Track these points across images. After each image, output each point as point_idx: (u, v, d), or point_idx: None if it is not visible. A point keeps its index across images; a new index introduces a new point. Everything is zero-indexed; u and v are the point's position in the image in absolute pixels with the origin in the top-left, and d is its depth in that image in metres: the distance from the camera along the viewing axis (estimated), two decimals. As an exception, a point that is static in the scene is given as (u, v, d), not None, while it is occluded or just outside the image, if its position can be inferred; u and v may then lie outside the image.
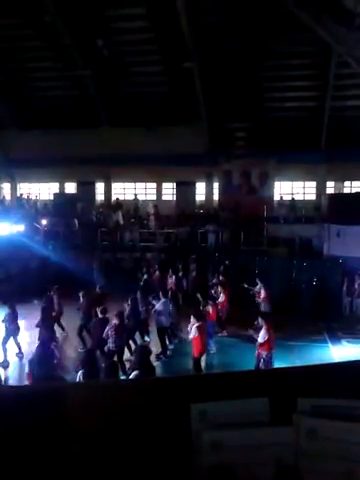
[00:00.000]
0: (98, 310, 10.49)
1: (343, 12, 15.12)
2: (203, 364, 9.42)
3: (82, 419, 2.88)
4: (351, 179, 23.66)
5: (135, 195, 25.34)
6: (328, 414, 2.98)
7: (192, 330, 9.43)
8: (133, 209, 23.86)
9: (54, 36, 21.11)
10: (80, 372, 6.46)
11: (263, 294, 13.49)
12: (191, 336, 9.48)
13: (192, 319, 9.52)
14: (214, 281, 14.14)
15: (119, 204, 24.24)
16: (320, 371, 3.47)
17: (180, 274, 15.64)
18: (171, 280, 14.66)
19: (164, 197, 25.91)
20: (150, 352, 7.39)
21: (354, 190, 23.22)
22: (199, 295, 13.30)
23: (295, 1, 15.30)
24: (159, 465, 2.93)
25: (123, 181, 26.29)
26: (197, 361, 9.32)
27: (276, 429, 2.90)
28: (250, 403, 3.09)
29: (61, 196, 26.03)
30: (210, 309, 10.91)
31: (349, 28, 15.78)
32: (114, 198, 25.67)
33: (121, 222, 21.85)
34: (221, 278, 14.09)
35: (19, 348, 11.00)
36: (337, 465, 2.77)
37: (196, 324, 9.41)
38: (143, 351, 6.91)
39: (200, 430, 2.90)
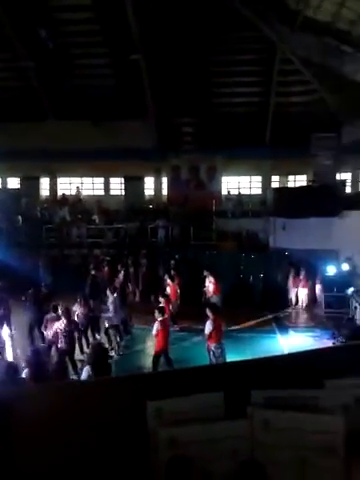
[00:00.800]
0: (50, 308, 10.25)
1: (287, 12, 15.52)
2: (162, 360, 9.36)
3: (34, 422, 2.80)
4: (295, 173, 24.41)
5: (77, 188, 24.89)
6: (280, 405, 3.06)
7: (155, 325, 9.38)
8: (75, 204, 23.37)
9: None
10: (26, 371, 6.25)
11: (212, 287, 13.66)
12: (154, 332, 9.40)
13: (156, 314, 9.46)
14: (165, 276, 14.18)
15: (65, 199, 23.71)
16: (271, 363, 3.56)
17: (131, 269, 15.53)
18: (121, 276, 14.52)
19: (112, 192, 25.60)
20: (106, 350, 7.27)
21: (298, 184, 23.96)
22: (152, 293, 13.26)
23: (242, 1, 15.51)
24: (116, 463, 2.90)
25: (69, 176, 25.71)
26: (157, 357, 9.26)
27: (231, 422, 2.95)
28: (205, 398, 3.11)
29: (3, 192, 25.13)
30: (163, 304, 10.93)
31: (292, 27, 16.22)
32: (60, 193, 25.07)
33: (68, 218, 21.37)
34: (172, 272, 14.13)
35: None
36: (291, 454, 2.84)
37: (159, 318, 9.37)
38: (97, 348, 6.78)
39: (157, 427, 2.89)
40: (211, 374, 3.42)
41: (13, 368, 5.70)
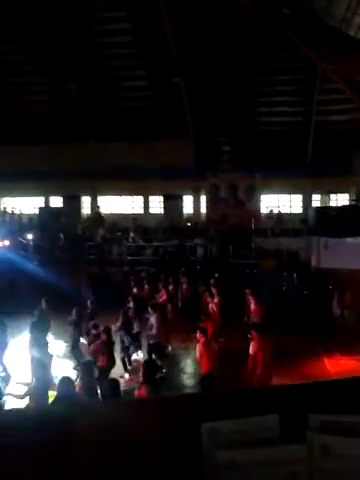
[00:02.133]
0: (90, 326, 10.37)
1: (328, 32, 15.48)
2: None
3: (89, 441, 2.79)
4: (336, 192, 24.00)
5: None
6: (338, 430, 2.94)
7: (197, 348, 9.28)
8: (111, 223, 23.69)
9: (40, 51, 21.16)
10: (79, 380, 6.34)
11: (253, 307, 13.46)
12: (198, 354, 9.30)
13: (198, 335, 9.36)
14: (206, 294, 14.11)
15: (101, 218, 24.14)
16: (328, 387, 3.44)
17: (171, 287, 15.54)
18: (163, 294, 14.52)
19: (151, 210, 25.90)
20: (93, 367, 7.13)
21: (340, 203, 23.52)
22: (192, 312, 13.15)
23: (282, 22, 15.62)
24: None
25: (110, 194, 26.23)
26: (206, 378, 9.10)
27: (290, 446, 2.86)
28: (260, 421, 3.03)
29: (46, 210, 25.83)
30: (205, 323, 10.86)
31: (334, 46, 16.15)
32: (95, 211, 25.58)
33: (107, 235, 21.70)
34: (213, 290, 14.05)
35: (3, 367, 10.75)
36: (353, 481, 2.72)
37: (202, 340, 9.27)
38: (89, 366, 6.67)
39: (212, 449, 2.83)
40: (266, 396, 3.33)
41: (69, 382, 5.78)
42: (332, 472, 2.82)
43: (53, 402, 5.96)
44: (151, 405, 3.28)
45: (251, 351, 8.95)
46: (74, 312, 11.68)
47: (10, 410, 4.81)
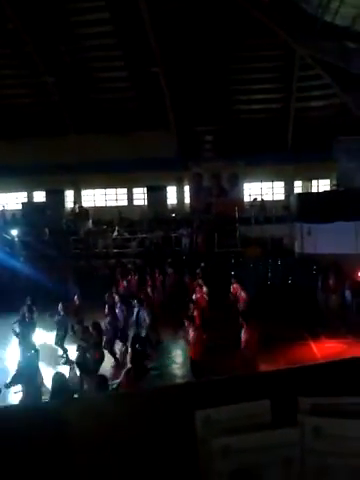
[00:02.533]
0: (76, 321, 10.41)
1: (305, 18, 15.53)
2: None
3: (84, 435, 2.83)
4: (318, 178, 24.23)
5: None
6: (328, 412, 3.04)
7: (190, 333, 9.43)
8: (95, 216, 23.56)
9: (17, 44, 20.78)
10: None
11: (239, 295, 13.64)
12: (190, 339, 9.44)
13: (186, 323, 9.50)
14: (194, 283, 14.22)
15: (86, 211, 24.02)
16: (317, 370, 3.53)
17: (157, 278, 15.58)
18: (148, 286, 14.57)
19: (135, 202, 25.84)
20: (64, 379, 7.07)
21: (321, 189, 23.76)
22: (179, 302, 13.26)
23: (260, 9, 15.61)
24: (165, 474, 2.91)
25: (93, 188, 26.07)
26: (195, 363, 9.27)
27: (283, 430, 2.94)
28: (252, 406, 3.10)
29: (30, 205, 25.57)
30: (193, 311, 10.98)
31: (311, 33, 16.22)
32: (78, 205, 25.43)
33: (91, 228, 21.61)
34: (199, 281, 14.14)
35: None
36: (345, 461, 2.82)
37: (191, 327, 9.42)
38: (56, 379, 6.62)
39: (206, 437, 2.90)
40: (257, 382, 3.42)
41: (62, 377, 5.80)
42: (324, 453, 2.92)
43: (50, 397, 5.99)
44: (144, 396, 3.34)
45: (242, 338, 9.09)
46: (60, 308, 11.68)
47: (5, 406, 4.83)
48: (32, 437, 2.82)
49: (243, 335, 9.15)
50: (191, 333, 9.31)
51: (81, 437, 2.86)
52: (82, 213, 23.88)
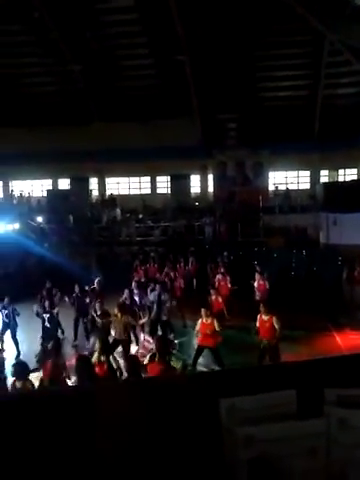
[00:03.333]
0: (97, 303, 10.60)
1: (335, 2, 15.09)
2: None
3: (111, 420, 2.86)
4: (345, 167, 23.74)
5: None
6: (355, 404, 2.99)
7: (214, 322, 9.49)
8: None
9: (42, 31, 20.84)
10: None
11: (261, 285, 13.59)
12: (217, 327, 9.47)
13: (203, 312, 9.52)
14: (217, 271, 14.22)
15: (114, 199, 24.15)
16: (344, 361, 3.48)
17: (180, 266, 15.59)
18: (167, 272, 14.59)
19: (159, 190, 25.85)
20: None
21: (348, 178, 23.29)
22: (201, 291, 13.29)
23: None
24: (190, 462, 2.92)
25: (117, 176, 26.17)
26: (216, 350, 9.35)
27: (308, 421, 2.91)
28: (277, 396, 3.08)
29: (54, 192, 25.85)
30: (214, 297, 11.04)
31: (341, 17, 15.76)
32: (109, 193, 25.60)
33: (118, 217, 21.74)
34: (222, 269, 14.10)
35: (16, 345, 11.01)
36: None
37: (208, 317, 9.44)
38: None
39: (231, 425, 2.89)
40: (283, 372, 3.39)
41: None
42: (349, 445, 2.89)
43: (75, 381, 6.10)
44: (170, 384, 3.35)
45: (276, 326, 9.06)
46: (76, 289, 11.94)
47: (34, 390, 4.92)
48: (57, 422, 2.87)
49: (259, 322, 9.14)
50: (208, 320, 9.34)
51: (106, 423, 2.89)
52: (110, 201, 24.01)
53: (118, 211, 21.93)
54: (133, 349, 10.80)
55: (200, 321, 9.39)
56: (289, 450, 2.87)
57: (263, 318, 9.19)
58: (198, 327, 9.48)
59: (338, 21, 16.59)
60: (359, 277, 14.33)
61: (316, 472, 2.70)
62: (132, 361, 6.18)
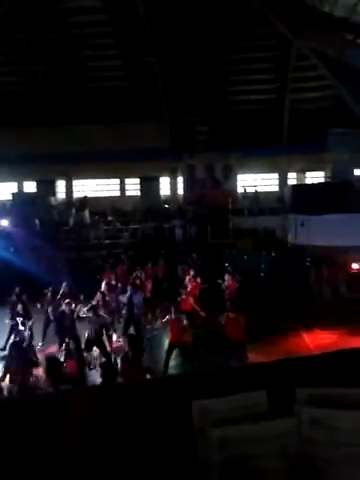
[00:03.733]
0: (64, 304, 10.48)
1: (302, 8, 15.39)
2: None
3: (84, 423, 2.80)
4: (312, 170, 24.19)
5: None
6: (325, 403, 3.01)
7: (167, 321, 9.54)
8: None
9: (7, 30, 20.41)
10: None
11: (233, 284, 13.72)
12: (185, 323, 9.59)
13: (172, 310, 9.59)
14: (186, 273, 14.22)
15: (84, 202, 23.78)
16: (313, 361, 3.50)
17: (150, 267, 15.49)
18: (137, 275, 14.51)
19: (128, 193, 25.68)
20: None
21: (315, 181, 23.74)
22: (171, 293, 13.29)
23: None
24: (163, 463, 2.88)
25: (84, 178, 25.85)
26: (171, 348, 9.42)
27: (279, 420, 2.91)
28: (248, 397, 3.07)
29: (20, 195, 25.29)
30: (185, 299, 11.06)
31: (308, 23, 16.09)
32: (79, 196, 25.23)
33: (87, 221, 21.42)
34: (192, 272, 14.10)
35: None
36: (339, 451, 2.81)
37: (170, 316, 9.53)
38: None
39: (203, 427, 2.86)
40: (253, 373, 3.38)
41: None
42: (320, 443, 2.89)
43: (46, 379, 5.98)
44: (143, 387, 3.30)
45: (225, 325, 9.18)
46: (49, 294, 11.78)
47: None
48: (33, 425, 2.78)
49: (225, 321, 9.23)
50: (177, 320, 9.36)
51: (80, 426, 2.82)
52: (81, 203, 23.59)
53: (87, 213, 21.61)
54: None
55: (169, 319, 9.45)
56: (261, 450, 2.85)
57: (230, 316, 9.30)
58: (168, 326, 9.54)
59: (304, 27, 16.93)
60: (326, 277, 14.61)
61: (287, 470, 2.70)
62: (105, 367, 6.09)
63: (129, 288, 11.95)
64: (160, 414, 2.90)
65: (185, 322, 9.37)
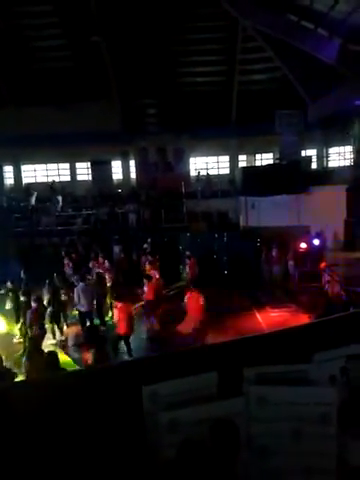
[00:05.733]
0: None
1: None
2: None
3: (32, 412, 2.78)
4: (261, 152, 24.58)
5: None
6: (272, 380, 3.14)
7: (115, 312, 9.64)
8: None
9: None
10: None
11: (193, 266, 14.01)
12: (115, 317, 9.75)
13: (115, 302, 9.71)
14: (144, 260, 14.20)
15: (27, 188, 23.17)
16: (263, 340, 3.63)
17: (102, 255, 15.31)
18: (91, 263, 14.34)
19: (79, 177, 25.18)
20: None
21: (264, 162, 24.16)
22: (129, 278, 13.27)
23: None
24: (114, 449, 2.92)
25: (33, 163, 25.09)
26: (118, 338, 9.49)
27: (228, 401, 3.00)
28: (198, 379, 3.15)
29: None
30: (146, 288, 11.05)
31: (254, 3, 16.13)
32: (25, 181, 24.51)
33: (32, 206, 20.84)
34: (150, 257, 14.08)
35: None
36: (286, 426, 2.94)
37: (118, 305, 9.57)
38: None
39: (153, 411, 2.92)
40: (204, 354, 3.46)
41: None
42: (268, 420, 3.02)
43: None
44: (93, 373, 3.31)
45: (187, 305, 9.38)
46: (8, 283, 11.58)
47: None
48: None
49: (187, 299, 9.45)
50: (118, 309, 9.46)
51: (28, 416, 2.80)
52: (25, 189, 22.99)
53: (33, 200, 21.03)
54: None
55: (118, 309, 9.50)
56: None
57: (192, 295, 9.46)
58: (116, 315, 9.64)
59: (251, 7, 16.99)
60: (276, 257, 15.04)
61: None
62: (52, 356, 6.04)
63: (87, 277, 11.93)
64: (110, 400, 2.93)
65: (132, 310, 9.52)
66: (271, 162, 23.39)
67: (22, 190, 23.48)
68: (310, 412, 2.93)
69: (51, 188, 22.59)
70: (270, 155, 24.30)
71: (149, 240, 16.59)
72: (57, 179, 24.81)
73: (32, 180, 24.83)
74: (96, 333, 7.10)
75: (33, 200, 21.17)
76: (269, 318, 11.77)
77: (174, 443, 2.69)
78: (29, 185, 23.75)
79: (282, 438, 2.96)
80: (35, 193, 21.66)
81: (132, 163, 24.47)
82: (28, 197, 21.47)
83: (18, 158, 24.47)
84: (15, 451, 2.77)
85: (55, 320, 11.01)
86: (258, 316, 12.05)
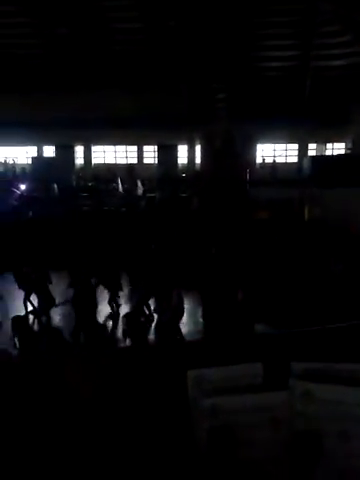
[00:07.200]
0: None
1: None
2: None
3: (80, 387, 2.90)
4: (333, 141, 23.62)
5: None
6: (320, 377, 3.05)
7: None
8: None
9: None
10: None
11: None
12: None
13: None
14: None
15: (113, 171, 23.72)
16: (311, 335, 3.54)
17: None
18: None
19: (145, 160, 25.54)
20: None
21: (336, 152, 23.20)
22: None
23: None
24: (158, 430, 2.98)
25: (103, 144, 25.74)
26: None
27: (272, 393, 2.96)
28: (244, 368, 3.13)
29: (39, 160, 25.35)
30: None
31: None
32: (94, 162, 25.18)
33: (120, 189, 21.30)
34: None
35: None
36: (332, 425, 2.85)
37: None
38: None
39: (197, 396, 2.94)
40: (250, 344, 3.43)
41: None
42: (313, 417, 2.95)
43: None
44: (139, 353, 3.38)
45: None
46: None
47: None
48: (31, 388, 2.89)
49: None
50: None
51: (76, 391, 2.93)
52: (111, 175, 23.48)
53: (119, 181, 21.43)
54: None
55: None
56: (251, 420, 2.92)
57: None
58: None
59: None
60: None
61: (277, 442, 2.77)
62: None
63: None
64: (155, 382, 2.99)
65: None
66: (342, 152, 22.42)
67: (90, 170, 24.13)
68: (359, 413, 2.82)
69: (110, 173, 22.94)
70: (342, 145, 23.28)
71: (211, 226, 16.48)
72: (124, 161, 25.30)
73: (101, 161, 25.48)
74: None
75: (119, 182, 21.56)
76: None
77: (214, 428, 2.70)
78: (110, 166, 24.29)
79: (327, 437, 2.88)
80: (119, 177, 22.06)
81: (198, 148, 24.41)
82: (114, 178, 21.88)
83: (89, 139, 25.22)
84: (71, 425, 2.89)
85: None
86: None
